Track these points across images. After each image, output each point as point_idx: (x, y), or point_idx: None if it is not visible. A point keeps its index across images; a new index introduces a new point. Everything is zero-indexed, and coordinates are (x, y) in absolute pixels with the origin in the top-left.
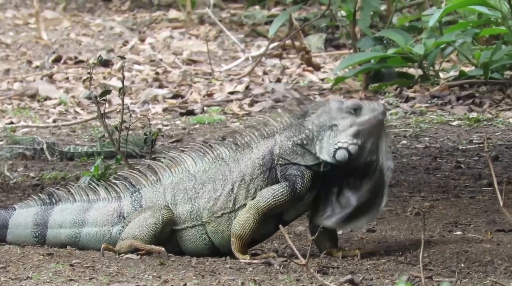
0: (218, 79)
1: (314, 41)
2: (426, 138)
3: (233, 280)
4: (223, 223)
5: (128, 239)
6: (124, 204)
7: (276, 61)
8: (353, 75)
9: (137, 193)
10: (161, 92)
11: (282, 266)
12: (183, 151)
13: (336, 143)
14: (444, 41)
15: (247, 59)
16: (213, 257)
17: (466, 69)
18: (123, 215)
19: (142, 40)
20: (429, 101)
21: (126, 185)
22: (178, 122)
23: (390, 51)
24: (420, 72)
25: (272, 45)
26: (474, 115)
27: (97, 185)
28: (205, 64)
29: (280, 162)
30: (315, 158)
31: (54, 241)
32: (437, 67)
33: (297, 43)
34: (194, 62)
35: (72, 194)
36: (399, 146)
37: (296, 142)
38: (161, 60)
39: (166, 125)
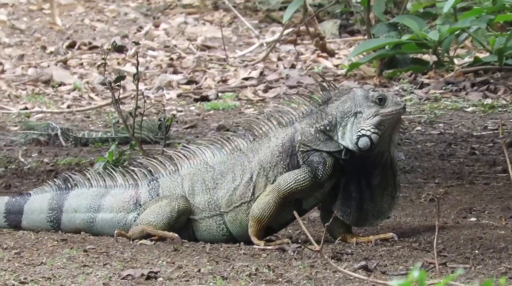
0: (232, 65)
1: (329, 27)
2: (441, 125)
3: (247, 266)
4: (242, 213)
5: (141, 225)
6: (141, 192)
7: (290, 47)
8: (367, 61)
9: (154, 181)
10: (176, 78)
11: (296, 252)
12: (200, 143)
13: (360, 130)
14: (458, 27)
15: (261, 45)
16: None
17: (481, 55)
18: (139, 203)
19: (157, 26)
20: (443, 88)
21: (144, 173)
22: (192, 108)
23: (405, 37)
24: (434, 58)
25: (286, 31)
26: (488, 101)
27: (115, 171)
28: (220, 50)
29: (301, 149)
30: (337, 145)
31: (68, 225)
32: (451, 53)
33: (311, 29)
34: (208, 48)
35: (88, 179)
36: (413, 133)
37: (318, 128)
38: (175, 46)
39: (181, 111)
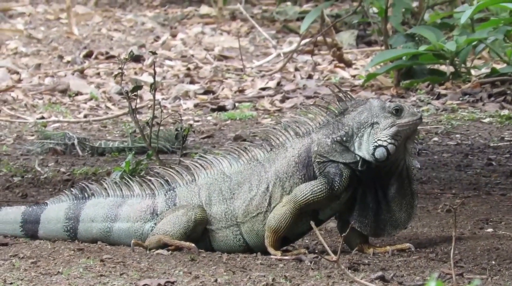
0: (249, 75)
1: (346, 37)
2: (458, 135)
3: (264, 276)
4: (258, 223)
5: (158, 234)
6: (158, 202)
7: (307, 57)
8: (384, 72)
9: (171, 191)
10: (193, 87)
11: (313, 262)
12: (218, 153)
13: (376, 140)
14: (475, 38)
15: (278, 55)
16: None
17: (498, 66)
18: (156, 212)
19: (174, 36)
20: (460, 98)
21: (161, 183)
22: (209, 118)
23: (422, 48)
24: (451, 69)
25: (303, 41)
26: (505, 112)
27: (131, 180)
28: (237, 60)
29: (318, 160)
30: (353, 156)
31: (85, 235)
32: (468, 64)
33: (328, 40)
34: (226, 58)
35: (105, 188)
36: (430, 143)
37: (335, 139)
38: (192, 55)
39: (198, 121)
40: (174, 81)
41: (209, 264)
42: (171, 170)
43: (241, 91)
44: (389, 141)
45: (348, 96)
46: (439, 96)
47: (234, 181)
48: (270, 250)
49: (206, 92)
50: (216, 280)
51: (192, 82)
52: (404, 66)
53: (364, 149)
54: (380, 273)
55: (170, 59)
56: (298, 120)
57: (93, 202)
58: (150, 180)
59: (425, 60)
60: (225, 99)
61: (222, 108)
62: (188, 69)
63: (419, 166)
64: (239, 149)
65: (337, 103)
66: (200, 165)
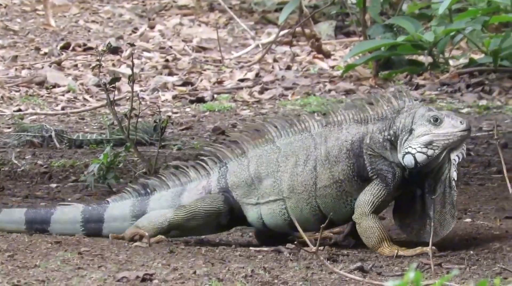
0: (228, 66)
1: (324, 28)
2: None
3: (243, 267)
4: (303, 201)
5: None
6: (212, 180)
7: (286, 48)
8: (363, 63)
9: (224, 167)
10: (171, 79)
11: (292, 253)
12: (268, 121)
13: (407, 147)
14: (453, 29)
15: (257, 46)
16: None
17: (476, 57)
18: (210, 192)
19: (152, 27)
20: (438, 89)
21: (214, 160)
22: (188, 109)
23: (400, 39)
24: (430, 59)
25: (282, 33)
26: (483, 102)
27: (186, 166)
28: (215, 51)
29: (369, 152)
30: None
31: None
32: (446, 54)
33: (307, 31)
34: (204, 49)
35: (164, 181)
36: None
37: (386, 137)
38: (170, 47)
39: (176, 113)
40: (152, 72)
41: (188, 256)
42: (220, 146)
43: (220, 82)
44: (418, 149)
45: (408, 96)
46: (417, 87)
47: (283, 152)
48: (383, 254)
49: (185, 84)
50: (195, 272)
51: (170, 73)
52: (383, 57)
53: (400, 153)
54: (359, 264)
55: (148, 50)
56: (360, 105)
57: (156, 196)
58: (203, 160)
59: (404, 50)
60: (203, 90)
61: (200, 100)
62: (167, 60)
63: (455, 179)
64: (292, 118)
65: (397, 100)
66: (249, 136)
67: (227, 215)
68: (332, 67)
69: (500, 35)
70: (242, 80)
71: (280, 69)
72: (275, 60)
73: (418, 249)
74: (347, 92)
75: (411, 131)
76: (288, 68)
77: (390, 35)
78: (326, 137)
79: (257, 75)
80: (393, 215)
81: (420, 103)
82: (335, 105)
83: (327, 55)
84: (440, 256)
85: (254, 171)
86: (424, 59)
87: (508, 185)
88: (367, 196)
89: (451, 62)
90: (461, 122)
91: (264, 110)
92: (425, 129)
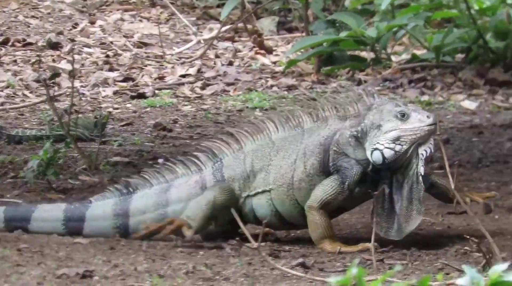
0: (169, 62)
1: (267, 24)
2: None
3: (184, 264)
4: (283, 193)
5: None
6: (206, 175)
7: (228, 44)
8: (305, 58)
9: (219, 162)
10: (112, 75)
11: (233, 249)
12: (266, 117)
13: (375, 143)
14: (396, 24)
15: (199, 42)
16: (278, 228)
17: (418, 52)
18: (205, 186)
19: (92, 23)
20: (381, 84)
21: (208, 156)
22: (128, 105)
23: (343, 34)
24: (372, 55)
25: (224, 28)
26: (425, 98)
27: (174, 163)
28: (157, 47)
29: (334, 148)
30: (365, 154)
31: (138, 229)
32: (389, 50)
33: (249, 26)
34: (145, 45)
35: (147, 179)
36: None
37: (352, 133)
38: (111, 43)
39: (117, 108)
40: (93, 68)
41: (129, 252)
42: (218, 141)
43: (161, 78)
44: (386, 145)
45: (376, 93)
46: (359, 82)
47: (276, 147)
48: (326, 250)
49: (126, 79)
50: (135, 269)
51: (111, 69)
52: (325, 53)
53: (368, 150)
54: (301, 260)
55: (89, 46)
56: (343, 101)
57: (139, 194)
58: (195, 156)
59: (346, 46)
60: (144, 86)
61: (141, 95)
62: (107, 56)
63: (422, 173)
64: (287, 113)
65: (368, 97)
66: (247, 131)
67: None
68: (274, 63)
69: (443, 31)
70: (183, 76)
71: (222, 64)
72: (217, 56)
73: (360, 245)
74: (289, 88)
75: (379, 127)
76: (230, 63)
77: (332, 31)
78: (311, 133)
79: (198, 70)
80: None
81: (387, 99)
82: (323, 100)
83: (269, 51)
84: (382, 252)
85: (249, 165)
86: (367, 54)
87: (450, 180)
88: (318, 192)
89: (393, 57)
90: (428, 116)
91: (206, 106)
92: (393, 124)
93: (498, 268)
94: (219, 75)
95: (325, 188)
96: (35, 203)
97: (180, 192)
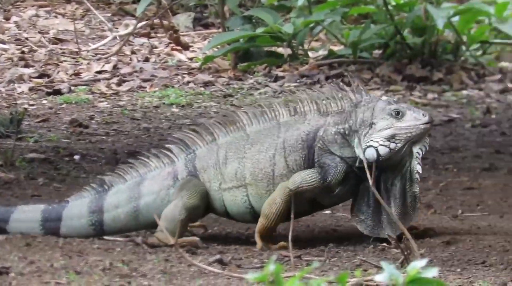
0: (85, 58)
1: (183, 20)
2: None
3: (101, 260)
4: (263, 188)
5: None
6: (178, 166)
7: (144, 40)
8: (222, 55)
9: (192, 154)
10: (27, 71)
11: (150, 246)
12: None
13: (369, 141)
14: (313, 20)
15: (114, 38)
16: (249, 222)
17: (335, 48)
18: (177, 177)
19: (7, 19)
20: (298, 81)
21: (181, 148)
22: (44, 101)
23: (259, 30)
24: (289, 51)
25: (140, 24)
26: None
27: (148, 156)
28: (72, 43)
29: (319, 145)
30: (352, 152)
31: (113, 224)
32: (306, 46)
33: (165, 22)
34: (61, 41)
35: (121, 175)
36: None
37: (339, 130)
38: (26, 39)
39: (33, 105)
40: (8, 64)
41: (45, 248)
42: (192, 132)
43: (77, 74)
44: (381, 143)
45: (364, 90)
46: (276, 79)
47: (251, 139)
48: (256, 237)
49: (41, 76)
50: (52, 265)
51: (26, 65)
52: (242, 49)
53: (360, 147)
54: (218, 256)
55: (3, 42)
56: (322, 97)
57: (113, 191)
58: (167, 148)
59: (263, 42)
60: (60, 82)
61: (57, 92)
62: (23, 52)
63: (420, 172)
64: (264, 105)
65: (354, 94)
66: (221, 123)
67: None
68: (191, 59)
69: (360, 27)
70: (99, 72)
71: (138, 61)
72: (133, 52)
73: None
74: (206, 84)
75: (371, 125)
76: (146, 60)
77: (249, 27)
78: (289, 127)
79: (114, 67)
80: (350, 211)
81: (377, 97)
82: (302, 96)
83: (186, 47)
84: (299, 248)
85: (222, 157)
86: (284, 51)
87: (368, 176)
88: (297, 177)
89: (310, 53)
90: (423, 114)
91: (122, 102)
92: (387, 122)
93: (417, 265)
94: (135, 72)
95: (305, 177)
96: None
97: (152, 184)
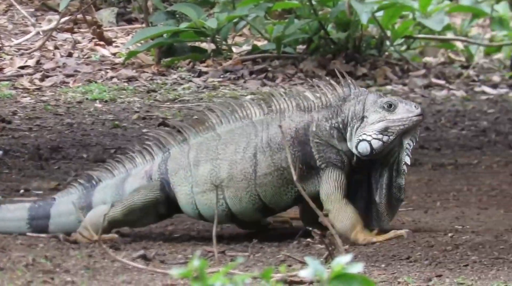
0: (8, 53)
1: (106, 15)
2: None
3: (24, 256)
4: (242, 190)
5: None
6: (154, 166)
7: (67, 35)
8: (145, 50)
9: (167, 153)
10: None
11: (74, 242)
12: (210, 108)
13: (361, 134)
14: (236, 15)
15: (37, 33)
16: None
17: (259, 44)
18: (151, 177)
19: None
20: (222, 76)
21: (159, 146)
22: None
23: (183, 25)
24: (213, 46)
25: (63, 19)
26: (267, 89)
27: (133, 152)
28: None
29: (316, 140)
30: (347, 145)
31: None
32: (230, 41)
33: (88, 17)
34: None
35: (109, 170)
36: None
37: (333, 125)
38: None
39: None
40: None
41: None
42: (163, 132)
43: (0, 69)
44: (374, 136)
45: (353, 83)
46: (200, 74)
47: (223, 140)
48: (357, 241)
49: None
50: None
51: None
52: (165, 44)
53: (352, 141)
54: (142, 252)
55: None
56: (302, 93)
57: (101, 186)
58: (149, 145)
59: (186, 37)
60: None
61: None
62: None
63: (409, 163)
64: (233, 104)
65: (342, 88)
66: (190, 124)
67: (165, 204)
68: (114, 54)
69: (283, 22)
70: (22, 67)
71: (61, 56)
72: (56, 47)
73: (392, 233)
74: (129, 79)
75: (363, 118)
76: (70, 55)
77: (172, 22)
78: (268, 124)
79: (37, 62)
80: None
81: (367, 90)
82: (277, 93)
83: (109, 42)
84: (223, 244)
85: (193, 158)
86: (207, 46)
87: (292, 172)
88: (331, 183)
89: (234, 49)
90: (415, 106)
91: (45, 98)
92: (380, 115)
93: (341, 260)
94: (59, 67)
95: (335, 177)
96: None
97: (133, 182)
